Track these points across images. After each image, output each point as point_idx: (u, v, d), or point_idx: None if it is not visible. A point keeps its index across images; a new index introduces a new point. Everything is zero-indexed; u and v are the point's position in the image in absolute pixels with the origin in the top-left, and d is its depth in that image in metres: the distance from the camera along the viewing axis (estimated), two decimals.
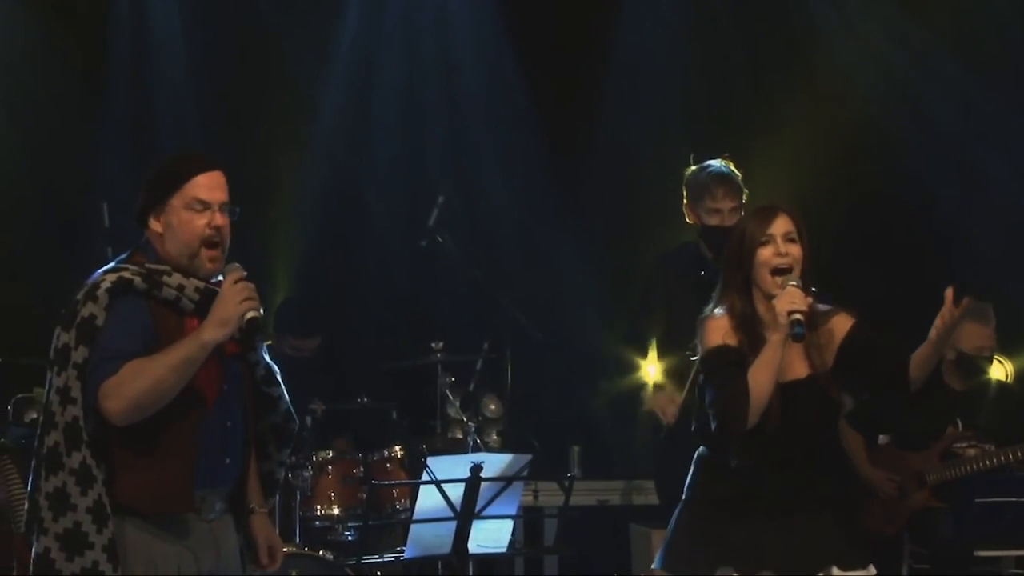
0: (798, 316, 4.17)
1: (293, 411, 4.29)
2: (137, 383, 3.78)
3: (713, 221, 5.85)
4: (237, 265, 3.97)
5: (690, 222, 6.03)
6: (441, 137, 8.80)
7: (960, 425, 6.70)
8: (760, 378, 4.19)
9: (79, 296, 3.91)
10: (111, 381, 3.79)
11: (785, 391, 4.27)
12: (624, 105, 8.64)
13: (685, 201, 6.00)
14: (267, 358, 4.20)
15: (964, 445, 6.65)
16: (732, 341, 4.31)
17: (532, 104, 8.67)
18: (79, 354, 3.84)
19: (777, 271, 4.28)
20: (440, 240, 7.52)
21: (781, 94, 8.30)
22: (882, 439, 6.88)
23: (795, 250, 4.29)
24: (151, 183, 4.01)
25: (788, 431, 4.26)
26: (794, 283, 4.23)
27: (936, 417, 6.68)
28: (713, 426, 4.29)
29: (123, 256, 4.03)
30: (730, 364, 4.26)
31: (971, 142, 8.15)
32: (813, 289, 4.36)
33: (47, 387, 3.92)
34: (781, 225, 4.31)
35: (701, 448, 4.45)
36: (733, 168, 5.92)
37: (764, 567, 4.25)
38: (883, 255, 7.89)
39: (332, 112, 8.68)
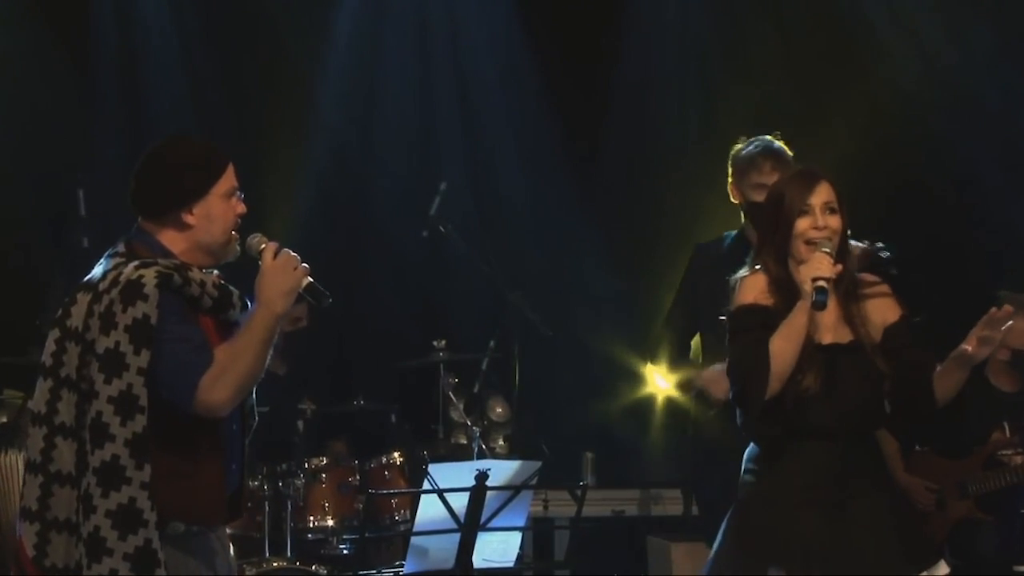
0: (822, 283, 4.20)
1: (256, 407, 4.25)
2: (236, 369, 3.82)
3: (758, 197, 5.69)
4: (261, 235, 4.05)
5: (735, 202, 5.88)
6: (450, 123, 8.80)
7: (1007, 430, 6.63)
8: (782, 345, 4.23)
9: (113, 295, 3.83)
10: (211, 372, 3.80)
11: (826, 354, 4.31)
12: (644, 92, 8.63)
13: (730, 180, 5.87)
14: None
15: (1010, 452, 6.58)
16: (766, 301, 4.35)
17: (547, 90, 8.67)
18: (143, 359, 3.79)
19: (813, 243, 4.32)
20: (443, 230, 7.49)
21: (815, 80, 8.24)
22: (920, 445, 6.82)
23: (834, 221, 4.33)
24: (184, 176, 4.00)
25: (830, 398, 4.28)
26: (827, 250, 4.27)
27: (980, 421, 6.61)
28: (732, 392, 4.36)
29: (119, 248, 4.00)
30: (757, 326, 4.30)
31: (1017, 129, 8.09)
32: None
33: (60, 397, 3.84)
34: (822, 194, 4.34)
35: (751, 447, 4.45)
36: (783, 144, 5.84)
37: (812, 567, 4.23)
38: (924, 246, 7.80)
39: (334, 96, 8.69)
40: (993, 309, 4.21)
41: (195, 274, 3.92)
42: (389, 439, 7.28)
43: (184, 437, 3.85)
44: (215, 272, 4.05)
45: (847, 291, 4.36)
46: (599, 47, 8.66)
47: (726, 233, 5.97)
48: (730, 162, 5.86)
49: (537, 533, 7.49)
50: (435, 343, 7.28)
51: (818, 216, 4.30)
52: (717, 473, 4.63)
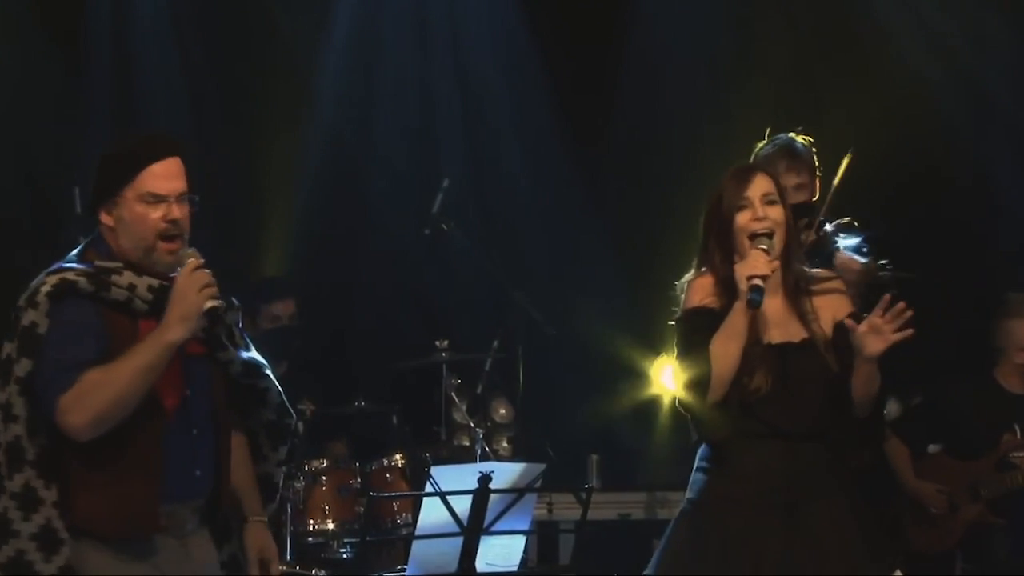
0: (758, 282, 4.16)
1: (288, 405, 4.22)
2: (100, 394, 3.72)
3: None
4: (193, 251, 3.90)
5: None
6: (451, 118, 8.76)
7: (1018, 432, 6.60)
8: (722, 346, 4.20)
9: (20, 302, 3.83)
10: (71, 394, 3.73)
11: (778, 353, 4.26)
12: (651, 86, 8.57)
13: None
14: (245, 354, 4.12)
15: (1021, 454, 6.56)
16: (714, 303, 4.31)
17: (550, 84, 8.63)
18: (22, 367, 3.77)
19: (756, 236, 4.28)
20: (445, 228, 7.46)
21: (828, 72, 8.20)
22: (931, 448, 6.80)
23: (775, 212, 4.29)
24: (101, 172, 3.93)
25: (781, 398, 4.24)
26: (764, 247, 4.23)
27: (991, 423, 6.60)
28: (677, 398, 4.35)
29: (74, 252, 3.96)
30: (703, 328, 4.27)
31: None
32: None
33: None
34: (759, 186, 4.30)
35: (702, 447, 4.41)
36: (804, 141, 5.77)
37: (765, 569, 4.19)
38: (936, 243, 7.77)
39: (332, 90, 8.65)
40: (886, 297, 4.12)
41: (124, 278, 3.84)
42: (390, 441, 7.24)
43: (99, 448, 3.77)
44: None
45: (797, 287, 4.32)
46: (606, 40, 8.62)
47: None
48: (751, 162, 5.83)
49: (541, 537, 7.43)
50: (437, 343, 7.24)
51: (757, 208, 4.26)
52: None
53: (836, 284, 4.42)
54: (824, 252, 5.32)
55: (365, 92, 8.70)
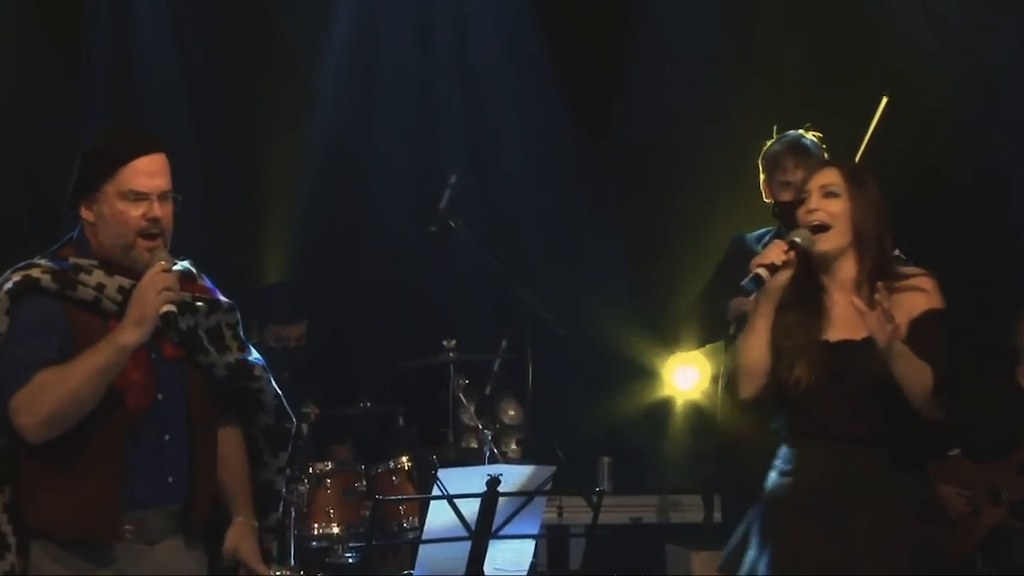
0: (761, 270, 4.11)
1: (287, 408, 4.13)
2: (50, 395, 3.66)
3: (785, 196, 5.66)
4: (165, 254, 3.82)
5: (767, 201, 5.83)
6: (455, 113, 8.75)
7: None
8: (744, 339, 4.19)
9: None
10: (23, 393, 3.67)
11: (835, 351, 4.17)
12: (655, 83, 8.56)
13: (761, 178, 5.82)
14: (238, 356, 4.02)
15: None
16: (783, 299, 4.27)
17: (552, 84, 8.62)
18: None
19: (814, 229, 4.21)
20: (453, 225, 7.41)
21: (833, 66, 8.15)
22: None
23: (833, 205, 4.20)
24: (83, 166, 3.85)
25: (835, 397, 4.14)
26: (796, 238, 4.16)
27: (1011, 425, 6.59)
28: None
29: (52, 248, 3.90)
30: None
31: None
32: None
33: None
34: (821, 178, 4.26)
35: (781, 447, 4.37)
36: (813, 137, 5.71)
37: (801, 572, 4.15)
38: (947, 239, 7.70)
39: (333, 86, 8.64)
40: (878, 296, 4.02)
41: (93, 277, 3.76)
42: (396, 443, 7.21)
43: (61, 448, 3.71)
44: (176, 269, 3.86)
45: (871, 284, 4.16)
46: (608, 40, 8.61)
47: (766, 229, 5.86)
48: (760, 160, 5.79)
49: (551, 541, 7.43)
50: (445, 343, 7.19)
51: (814, 199, 4.20)
52: (744, 471, 4.52)
53: (920, 282, 4.23)
54: None
55: (365, 92, 8.69)
